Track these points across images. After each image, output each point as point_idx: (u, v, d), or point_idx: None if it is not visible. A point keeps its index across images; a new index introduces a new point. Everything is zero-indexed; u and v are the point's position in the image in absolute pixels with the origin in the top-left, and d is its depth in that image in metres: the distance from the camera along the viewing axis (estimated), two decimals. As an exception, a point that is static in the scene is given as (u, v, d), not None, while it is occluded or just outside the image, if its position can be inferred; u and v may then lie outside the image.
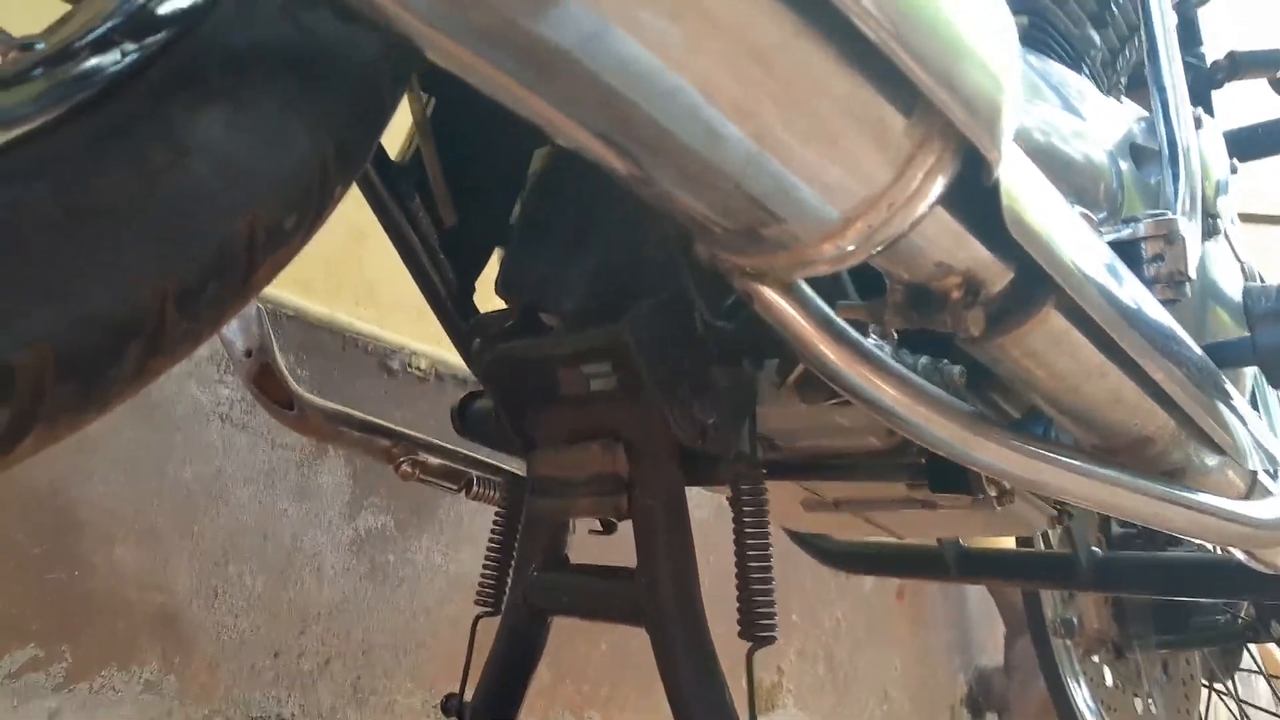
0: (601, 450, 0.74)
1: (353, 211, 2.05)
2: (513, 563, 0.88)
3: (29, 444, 0.46)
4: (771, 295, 0.61)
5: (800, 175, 0.42)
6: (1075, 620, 1.80)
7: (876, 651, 3.37)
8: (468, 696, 0.85)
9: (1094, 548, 1.22)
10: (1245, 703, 1.79)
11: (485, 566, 0.87)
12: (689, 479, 0.74)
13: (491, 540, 0.88)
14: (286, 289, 1.95)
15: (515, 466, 1.06)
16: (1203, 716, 1.77)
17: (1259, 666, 1.79)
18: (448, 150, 0.90)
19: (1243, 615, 1.62)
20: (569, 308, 0.83)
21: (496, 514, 0.88)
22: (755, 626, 0.67)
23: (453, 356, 2.26)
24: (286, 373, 0.87)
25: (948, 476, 0.81)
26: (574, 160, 0.95)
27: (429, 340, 2.23)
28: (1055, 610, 1.92)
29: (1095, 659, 1.89)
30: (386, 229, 0.89)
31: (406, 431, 0.95)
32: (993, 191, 0.48)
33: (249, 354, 0.86)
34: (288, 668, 1.84)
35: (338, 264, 2.09)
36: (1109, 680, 1.82)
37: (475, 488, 0.96)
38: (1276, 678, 1.81)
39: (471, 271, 0.95)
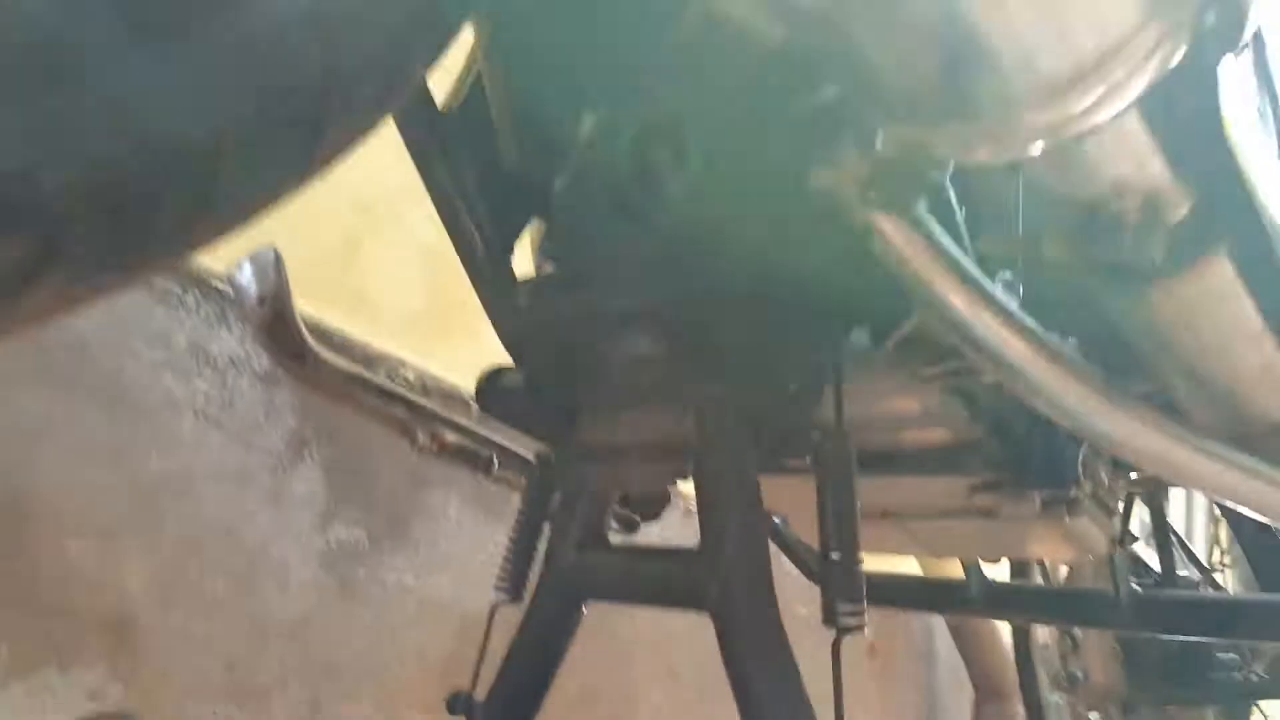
0: (668, 413, 0.66)
1: (346, 217, 1.96)
2: (536, 546, 0.79)
3: (41, 296, 0.37)
4: (895, 228, 0.54)
5: (1013, 19, 0.35)
6: (1080, 674, 1.73)
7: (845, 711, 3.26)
8: (481, 695, 0.75)
9: (1134, 585, 1.15)
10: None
11: (509, 549, 0.78)
12: (762, 450, 0.66)
13: (518, 521, 0.78)
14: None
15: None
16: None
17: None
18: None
19: (1254, 670, 1.56)
20: (623, 278, 0.76)
21: (525, 492, 0.79)
22: (839, 614, 0.59)
23: (440, 370, 2.17)
24: (302, 324, 0.78)
25: (1037, 468, 0.74)
26: (630, 125, 0.88)
27: (417, 351, 2.13)
28: (1059, 663, 1.85)
29: (1095, 716, 1.81)
30: (426, 180, 0.82)
31: (426, 404, 0.86)
32: (1210, 90, 0.41)
33: (262, 301, 0.77)
34: (242, 682, 1.70)
35: (329, 270, 2.00)
36: (1108, 739, 1.74)
37: (497, 468, 0.87)
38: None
39: (511, 234, 0.87)
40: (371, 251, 2.06)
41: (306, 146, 0.44)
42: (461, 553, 2.16)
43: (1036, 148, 0.40)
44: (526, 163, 0.81)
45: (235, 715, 1.68)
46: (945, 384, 0.72)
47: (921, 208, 0.55)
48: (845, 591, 0.59)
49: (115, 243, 0.37)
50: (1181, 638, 1.38)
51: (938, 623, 4.01)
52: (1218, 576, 1.66)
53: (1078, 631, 1.80)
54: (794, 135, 0.56)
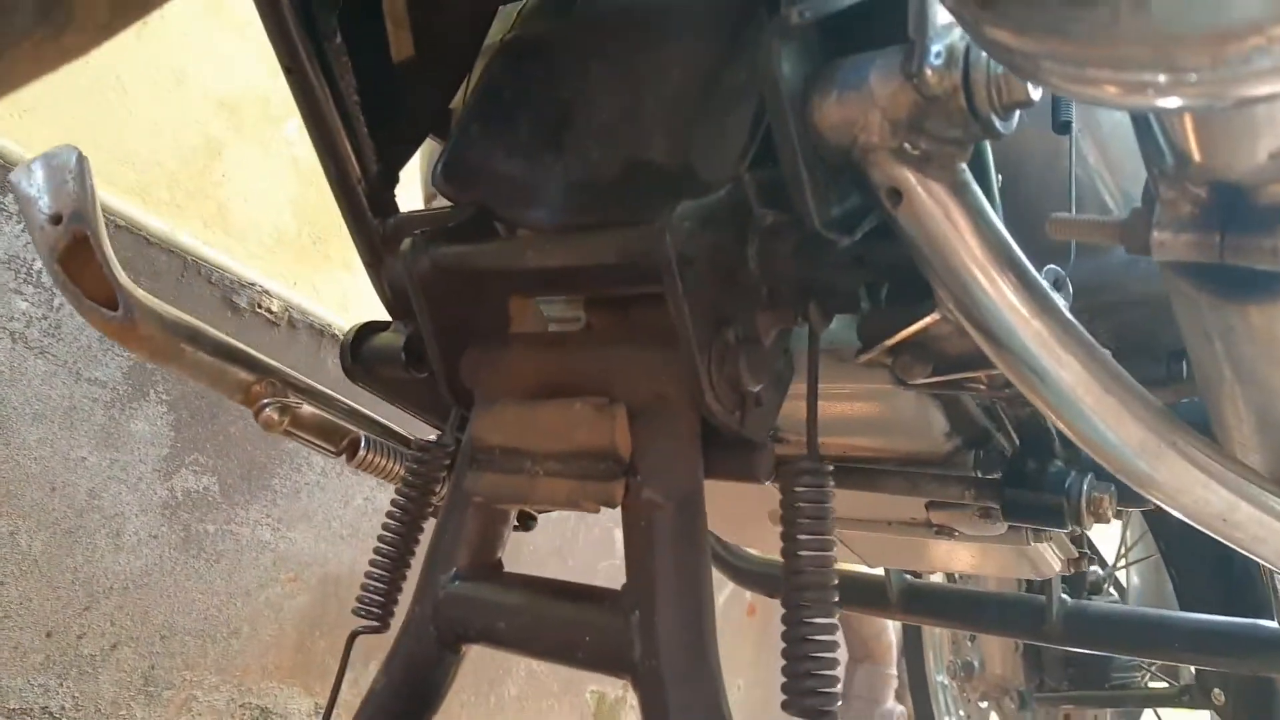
0: (593, 413, 0.50)
1: (206, 116, 1.70)
2: (409, 562, 0.63)
3: None
4: (934, 193, 0.39)
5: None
6: (976, 663, 1.68)
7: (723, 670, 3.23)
8: (330, 742, 0.59)
9: (1064, 595, 1.06)
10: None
11: (374, 564, 0.62)
12: (706, 469, 0.51)
13: (386, 530, 0.62)
14: (120, 192, 1.60)
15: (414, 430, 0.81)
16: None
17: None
18: None
19: (1152, 672, 1.53)
20: (541, 218, 0.59)
21: (398, 494, 0.62)
22: (806, 695, 0.45)
23: (310, 302, 1.95)
24: (113, 257, 0.59)
25: (1030, 503, 0.61)
26: (554, 28, 0.71)
27: (285, 280, 1.91)
28: (951, 650, 1.80)
29: (984, 705, 1.77)
30: (292, 79, 0.63)
31: (278, 365, 0.68)
32: None
33: (57, 220, 0.58)
34: (63, 650, 1.49)
35: (186, 177, 1.74)
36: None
37: (364, 453, 0.70)
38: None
39: (397, 157, 0.69)
40: (236, 158, 1.81)
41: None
42: (326, 505, 1.96)
43: (1182, 97, 0.26)
44: (427, 69, 0.63)
45: (54, 688, 1.47)
46: (931, 392, 0.59)
47: (965, 170, 0.41)
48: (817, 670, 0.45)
49: None
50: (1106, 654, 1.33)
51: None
52: (1119, 574, 1.63)
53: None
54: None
